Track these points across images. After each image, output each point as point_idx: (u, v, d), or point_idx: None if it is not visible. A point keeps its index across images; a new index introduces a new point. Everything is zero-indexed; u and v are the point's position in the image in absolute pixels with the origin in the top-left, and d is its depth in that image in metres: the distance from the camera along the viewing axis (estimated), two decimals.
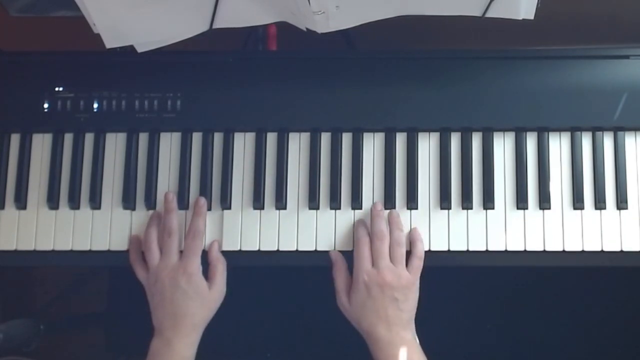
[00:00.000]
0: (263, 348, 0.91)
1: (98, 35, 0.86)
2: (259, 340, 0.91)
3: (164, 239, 0.92)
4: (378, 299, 0.88)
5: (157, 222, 0.94)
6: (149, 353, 0.89)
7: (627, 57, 0.95)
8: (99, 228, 0.96)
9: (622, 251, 0.92)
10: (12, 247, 0.96)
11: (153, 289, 0.91)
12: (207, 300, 0.90)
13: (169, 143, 0.98)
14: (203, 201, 0.94)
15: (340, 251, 0.94)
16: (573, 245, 0.93)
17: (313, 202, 0.95)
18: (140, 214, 0.96)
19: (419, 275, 0.91)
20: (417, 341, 0.89)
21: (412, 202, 0.94)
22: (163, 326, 0.89)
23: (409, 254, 0.92)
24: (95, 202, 0.96)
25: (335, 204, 0.95)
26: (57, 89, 0.97)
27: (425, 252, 0.92)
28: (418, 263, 0.91)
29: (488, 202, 0.94)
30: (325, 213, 0.95)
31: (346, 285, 0.92)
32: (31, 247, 0.96)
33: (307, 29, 0.88)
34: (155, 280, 0.91)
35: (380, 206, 0.94)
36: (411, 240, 0.93)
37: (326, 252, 0.94)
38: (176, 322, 0.89)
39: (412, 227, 0.94)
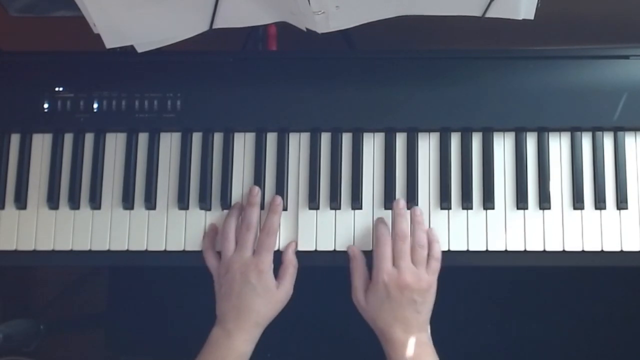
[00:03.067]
0: (263, 348, 0.91)
1: (98, 35, 0.86)
2: (258, 340, 0.91)
3: (242, 231, 0.92)
4: (396, 300, 0.88)
5: (237, 213, 0.94)
6: (207, 340, 0.89)
7: (627, 57, 0.95)
8: (99, 228, 0.96)
9: (622, 251, 0.92)
10: (12, 247, 0.96)
11: (222, 279, 0.91)
12: (273, 299, 0.90)
13: (169, 143, 0.98)
14: (279, 200, 0.94)
15: (338, 251, 0.94)
16: (573, 245, 0.93)
17: (313, 202, 0.95)
18: (140, 214, 0.96)
19: (436, 276, 0.90)
20: (432, 343, 0.89)
21: (412, 202, 0.94)
22: (226, 318, 0.90)
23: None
24: (95, 202, 0.96)
25: (335, 204, 0.95)
26: (57, 89, 0.97)
27: None
28: (436, 265, 0.91)
29: (488, 202, 0.94)
30: (325, 213, 0.95)
31: (364, 282, 0.91)
32: (31, 247, 0.96)
33: (307, 29, 0.88)
34: (226, 271, 0.91)
35: (402, 204, 0.93)
36: (428, 242, 0.92)
37: (326, 253, 0.94)
38: (239, 316, 0.89)
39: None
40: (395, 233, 0.91)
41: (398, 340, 0.87)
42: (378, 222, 0.93)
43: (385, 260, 0.89)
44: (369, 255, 0.93)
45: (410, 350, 0.86)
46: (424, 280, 0.89)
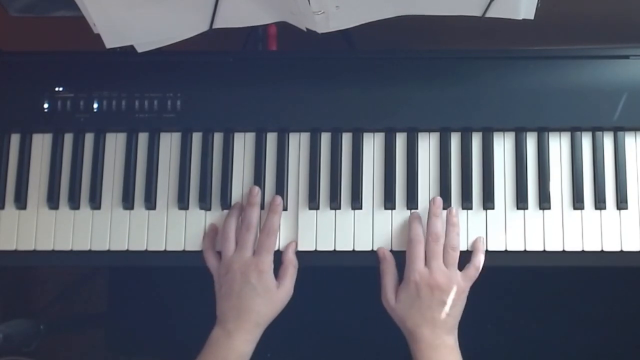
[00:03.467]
0: (263, 348, 0.91)
1: (98, 35, 0.86)
2: (258, 340, 0.91)
3: (242, 232, 0.92)
4: (426, 300, 0.88)
5: (237, 213, 0.94)
6: (207, 341, 0.90)
7: (627, 57, 0.95)
8: (99, 228, 0.96)
9: (622, 251, 0.92)
10: (12, 247, 0.96)
11: (222, 279, 0.91)
12: (273, 299, 0.91)
13: (169, 143, 0.98)
14: (279, 200, 0.94)
15: (338, 251, 0.94)
16: (573, 245, 0.93)
17: (313, 202, 0.95)
18: (140, 214, 0.96)
19: (470, 284, 0.90)
20: (458, 347, 0.89)
21: (411, 202, 0.94)
22: (226, 318, 0.90)
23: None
24: (95, 202, 0.96)
25: (335, 204, 0.95)
26: (57, 89, 0.97)
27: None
28: (474, 273, 0.91)
29: (488, 202, 0.94)
30: (325, 213, 0.95)
31: (394, 283, 0.92)
32: (31, 247, 0.96)
33: (307, 29, 0.88)
34: (226, 271, 0.91)
35: (439, 204, 0.92)
36: (473, 249, 0.92)
37: (326, 253, 0.94)
38: (240, 316, 0.89)
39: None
40: (428, 233, 0.91)
41: (425, 341, 0.87)
42: (413, 221, 0.92)
43: (418, 260, 0.89)
44: (373, 256, 0.93)
45: (437, 351, 0.86)
46: (454, 282, 0.89)
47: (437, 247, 0.90)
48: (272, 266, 0.91)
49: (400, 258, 0.92)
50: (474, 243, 0.93)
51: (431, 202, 0.92)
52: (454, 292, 0.88)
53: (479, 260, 0.91)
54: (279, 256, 0.93)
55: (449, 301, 0.88)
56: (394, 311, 0.91)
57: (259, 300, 0.89)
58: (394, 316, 0.91)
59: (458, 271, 0.90)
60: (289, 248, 0.93)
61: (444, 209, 0.93)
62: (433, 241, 0.90)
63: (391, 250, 0.93)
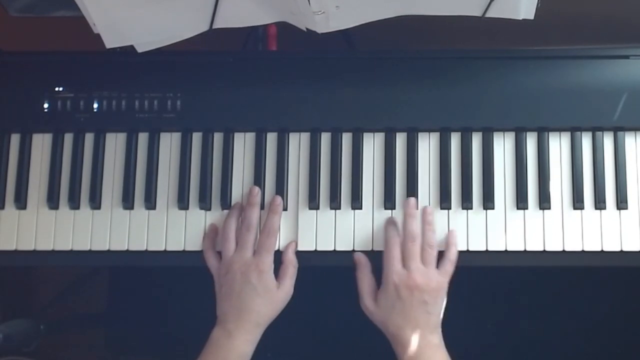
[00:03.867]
0: (263, 348, 0.91)
1: (98, 35, 0.86)
2: (258, 340, 0.91)
3: (242, 232, 0.92)
4: (407, 301, 0.87)
5: (237, 213, 0.94)
6: (208, 341, 0.89)
7: (627, 57, 0.96)
8: (99, 228, 0.96)
9: (622, 251, 0.92)
10: (12, 247, 0.96)
11: (222, 279, 0.91)
12: (273, 299, 0.90)
13: (169, 143, 0.98)
14: (279, 200, 0.94)
15: (338, 251, 0.94)
16: (573, 245, 0.93)
17: (313, 202, 0.95)
18: (140, 214, 0.96)
19: (448, 279, 0.90)
20: (443, 345, 0.88)
21: None
22: (226, 318, 0.90)
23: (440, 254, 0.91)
24: (95, 202, 0.96)
25: (335, 204, 0.95)
26: (57, 89, 0.97)
27: None
28: (450, 267, 0.91)
29: (488, 202, 0.94)
30: (325, 213, 0.95)
31: (371, 288, 0.91)
32: (31, 247, 0.96)
33: (307, 29, 0.88)
34: (226, 271, 0.91)
35: (413, 204, 0.93)
36: (446, 244, 0.92)
37: (326, 253, 0.94)
38: (240, 316, 0.89)
39: (449, 228, 0.93)
40: (405, 233, 0.91)
41: (409, 343, 0.86)
42: (387, 223, 0.93)
43: (395, 261, 0.89)
44: (372, 256, 0.93)
45: (422, 352, 0.86)
46: (434, 281, 0.88)
47: (414, 247, 0.90)
48: (272, 266, 0.91)
49: None
50: (447, 236, 0.92)
51: (405, 203, 0.93)
52: (433, 290, 0.88)
53: (453, 253, 0.91)
54: (279, 256, 0.93)
55: (430, 300, 0.88)
56: (374, 315, 0.90)
57: (259, 300, 0.89)
58: (374, 321, 0.91)
59: (436, 269, 0.90)
60: (289, 248, 0.93)
61: (444, 208, 0.93)
62: (410, 241, 0.90)
63: None
